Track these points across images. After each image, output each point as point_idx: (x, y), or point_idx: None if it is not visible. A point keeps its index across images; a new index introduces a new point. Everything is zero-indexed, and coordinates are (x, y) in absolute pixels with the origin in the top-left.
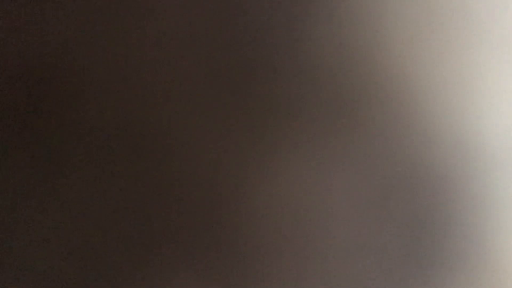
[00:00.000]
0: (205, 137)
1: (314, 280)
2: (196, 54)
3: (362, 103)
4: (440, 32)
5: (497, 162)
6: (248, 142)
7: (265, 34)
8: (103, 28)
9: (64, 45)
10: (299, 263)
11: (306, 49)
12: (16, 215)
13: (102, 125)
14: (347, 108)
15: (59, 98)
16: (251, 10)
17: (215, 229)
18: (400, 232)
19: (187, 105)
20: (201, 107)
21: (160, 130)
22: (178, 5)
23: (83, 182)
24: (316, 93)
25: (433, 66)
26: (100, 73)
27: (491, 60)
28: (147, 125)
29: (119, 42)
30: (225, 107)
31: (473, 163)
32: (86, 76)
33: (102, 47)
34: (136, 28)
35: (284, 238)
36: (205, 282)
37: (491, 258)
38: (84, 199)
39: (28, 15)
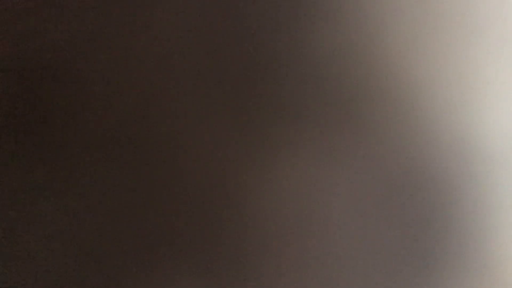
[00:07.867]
0: (208, 137)
1: (316, 280)
2: (199, 55)
3: (363, 103)
4: (440, 32)
5: (498, 161)
6: (251, 143)
7: (268, 34)
8: (105, 28)
9: (66, 45)
10: (302, 263)
11: (308, 50)
12: (18, 215)
13: (104, 125)
14: (349, 108)
15: (61, 98)
16: (253, 12)
17: (217, 230)
18: (402, 232)
19: (191, 105)
20: (205, 107)
21: (162, 131)
22: (180, 7)
23: (85, 182)
24: (318, 94)
25: (433, 66)
26: (103, 73)
27: (491, 60)
28: (150, 126)
29: (122, 42)
30: (228, 108)
31: (473, 163)
32: (88, 77)
33: (105, 47)
34: (138, 28)
35: (287, 238)
36: (208, 282)
37: (492, 258)
38: (86, 199)
39: (28, 15)
